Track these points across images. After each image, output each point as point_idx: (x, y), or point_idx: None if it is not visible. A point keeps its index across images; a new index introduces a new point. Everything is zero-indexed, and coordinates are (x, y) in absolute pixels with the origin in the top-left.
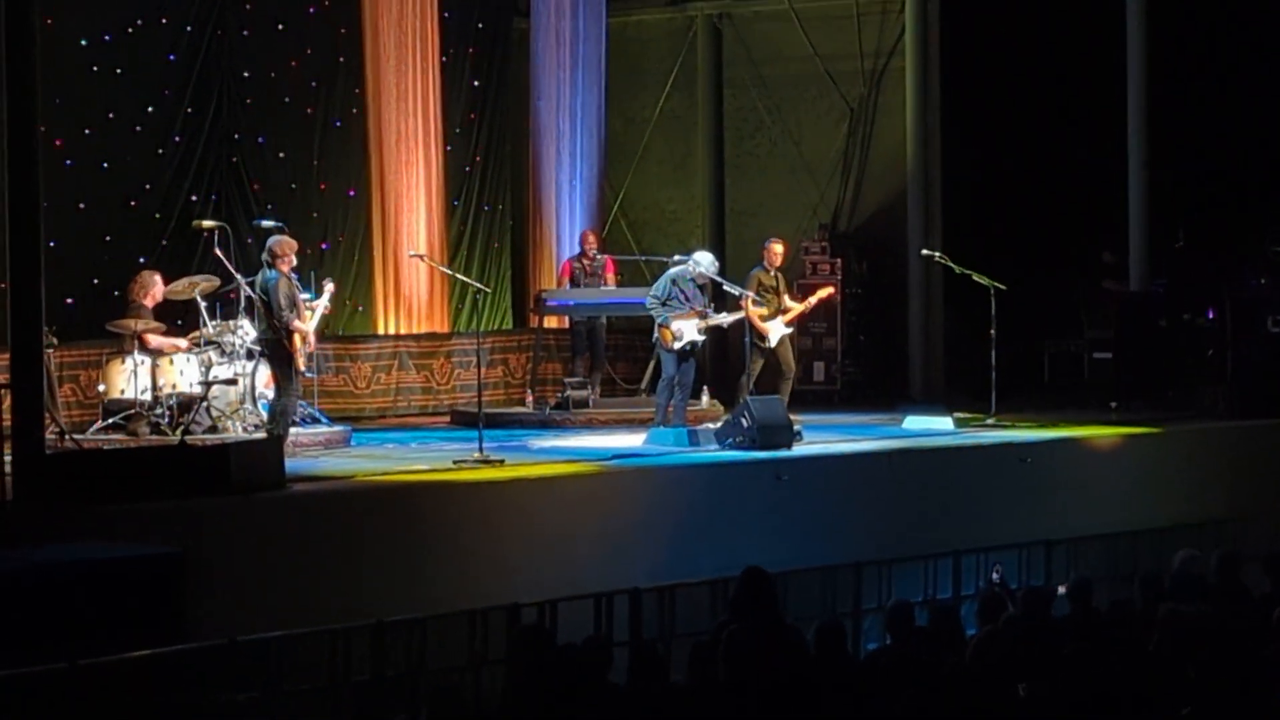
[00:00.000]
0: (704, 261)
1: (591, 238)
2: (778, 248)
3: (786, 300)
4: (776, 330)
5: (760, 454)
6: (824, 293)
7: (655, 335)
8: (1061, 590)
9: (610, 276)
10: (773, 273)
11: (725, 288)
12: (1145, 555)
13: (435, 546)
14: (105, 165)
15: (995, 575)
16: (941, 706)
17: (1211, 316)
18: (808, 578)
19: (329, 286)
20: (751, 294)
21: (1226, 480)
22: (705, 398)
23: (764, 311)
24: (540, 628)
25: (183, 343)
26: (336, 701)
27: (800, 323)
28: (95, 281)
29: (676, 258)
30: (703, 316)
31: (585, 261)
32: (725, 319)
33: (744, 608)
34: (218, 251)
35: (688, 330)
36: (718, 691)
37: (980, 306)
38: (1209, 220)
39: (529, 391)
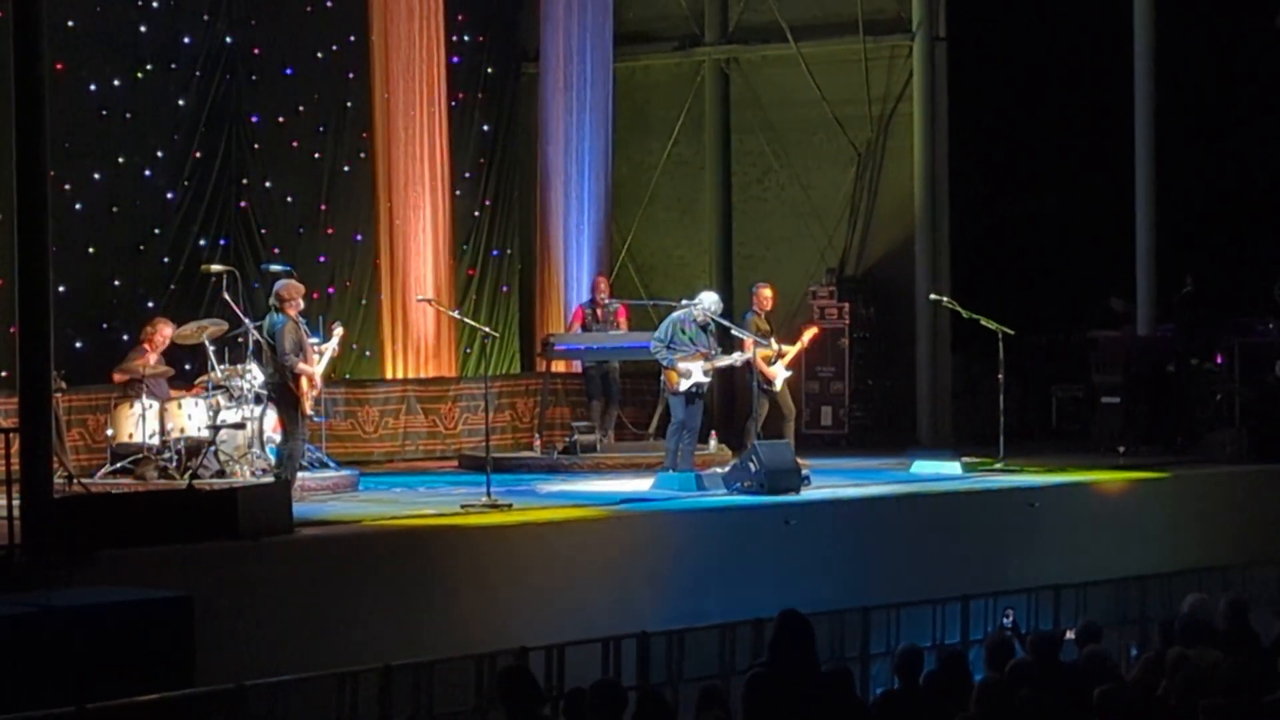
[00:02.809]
0: (707, 300)
1: (603, 284)
2: (767, 291)
3: (776, 344)
4: (781, 375)
5: (768, 498)
6: (811, 333)
7: (662, 379)
8: (1070, 635)
9: (623, 322)
10: (764, 316)
11: (734, 332)
12: (1153, 600)
13: (443, 590)
14: (114, 209)
15: (1007, 620)
16: None
17: (1219, 361)
18: (816, 622)
19: (337, 330)
20: (757, 338)
21: (1234, 525)
22: (713, 442)
23: (768, 353)
24: (523, 669)
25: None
26: None
27: (794, 365)
28: (104, 325)
29: (683, 302)
30: (707, 358)
31: (597, 309)
32: (730, 360)
33: (783, 650)
34: (226, 296)
35: (694, 372)
36: None
37: (988, 351)
38: (1217, 265)
39: (537, 436)
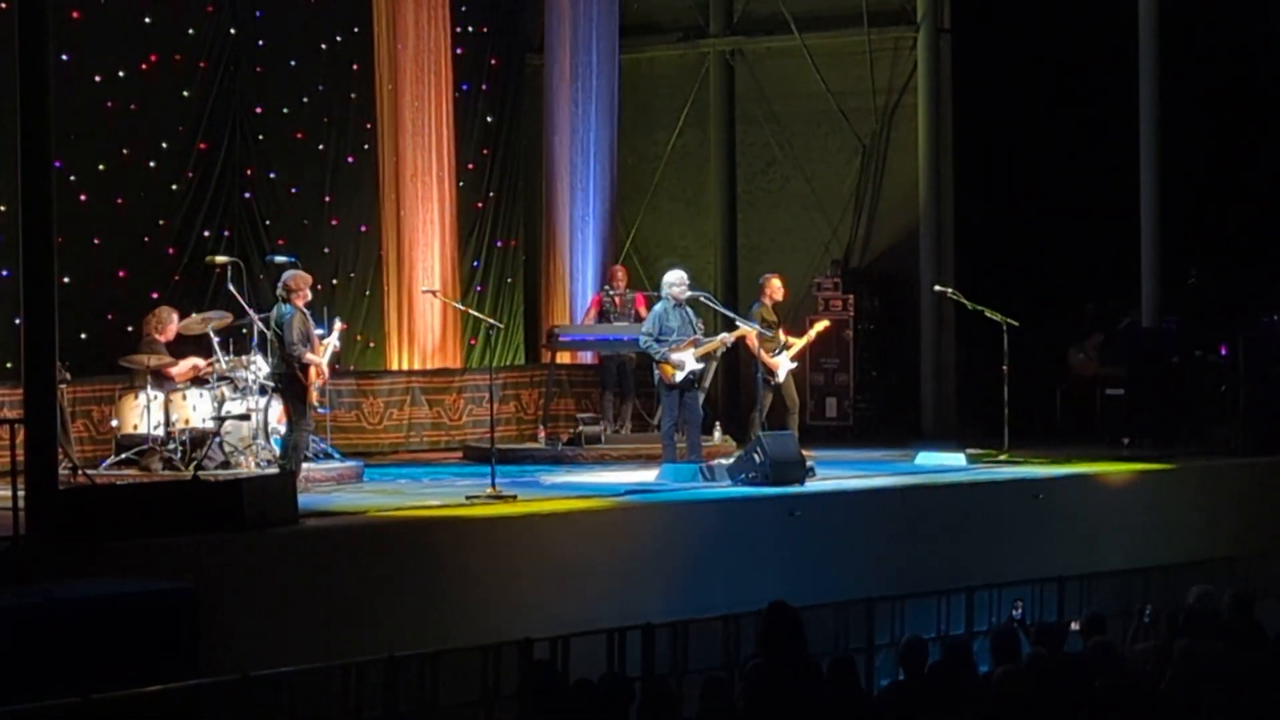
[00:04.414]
0: (671, 278)
1: (620, 273)
2: (776, 282)
3: (784, 335)
4: (784, 366)
5: (773, 490)
6: (821, 325)
7: (656, 373)
8: (1075, 626)
9: (642, 311)
10: (772, 307)
11: (737, 323)
12: (1158, 592)
13: (448, 582)
14: (119, 201)
15: (1016, 612)
16: None
17: (1224, 353)
18: (820, 613)
19: (338, 324)
20: (759, 327)
21: (1238, 517)
22: (717, 433)
23: (750, 331)
24: (551, 664)
25: (201, 363)
26: None
27: (800, 357)
28: (109, 317)
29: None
30: (696, 344)
31: (615, 297)
32: (719, 339)
33: (772, 642)
34: (230, 287)
35: (687, 361)
36: None
37: (992, 342)
38: (1222, 257)
39: (541, 427)
